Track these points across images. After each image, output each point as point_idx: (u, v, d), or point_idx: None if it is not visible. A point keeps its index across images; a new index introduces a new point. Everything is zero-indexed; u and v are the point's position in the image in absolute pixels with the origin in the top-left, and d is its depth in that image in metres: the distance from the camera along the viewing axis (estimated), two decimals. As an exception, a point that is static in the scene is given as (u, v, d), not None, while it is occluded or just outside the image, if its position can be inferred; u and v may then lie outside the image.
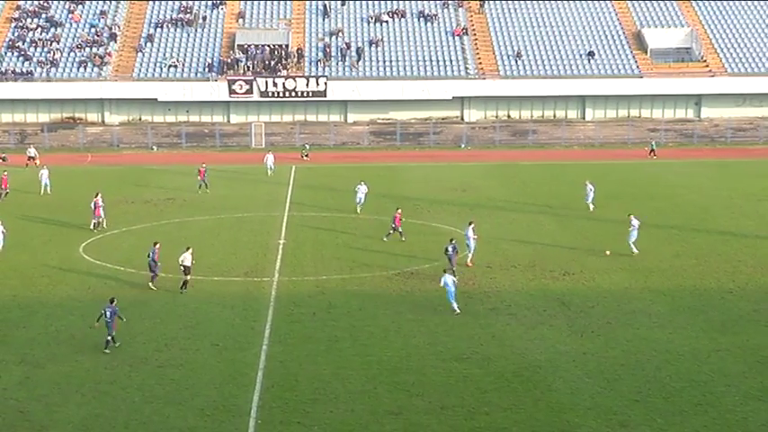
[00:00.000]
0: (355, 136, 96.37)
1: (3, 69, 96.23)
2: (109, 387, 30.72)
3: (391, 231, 51.59)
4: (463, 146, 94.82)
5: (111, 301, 34.48)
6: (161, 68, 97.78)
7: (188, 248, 42.29)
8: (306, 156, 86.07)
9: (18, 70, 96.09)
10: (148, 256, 42.67)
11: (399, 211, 52.63)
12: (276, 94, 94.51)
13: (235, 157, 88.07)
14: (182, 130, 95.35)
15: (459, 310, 38.22)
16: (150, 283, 42.16)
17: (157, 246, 42.82)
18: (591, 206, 60.07)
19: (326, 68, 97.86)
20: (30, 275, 44.44)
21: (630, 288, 42.35)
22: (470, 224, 47.46)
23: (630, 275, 44.46)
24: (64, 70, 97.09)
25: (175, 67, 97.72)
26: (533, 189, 69.12)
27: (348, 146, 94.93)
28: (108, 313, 33.98)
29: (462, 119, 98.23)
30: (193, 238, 52.60)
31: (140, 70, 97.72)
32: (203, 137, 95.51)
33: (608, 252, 48.47)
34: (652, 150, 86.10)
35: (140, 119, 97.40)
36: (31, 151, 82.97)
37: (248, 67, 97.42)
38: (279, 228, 55.45)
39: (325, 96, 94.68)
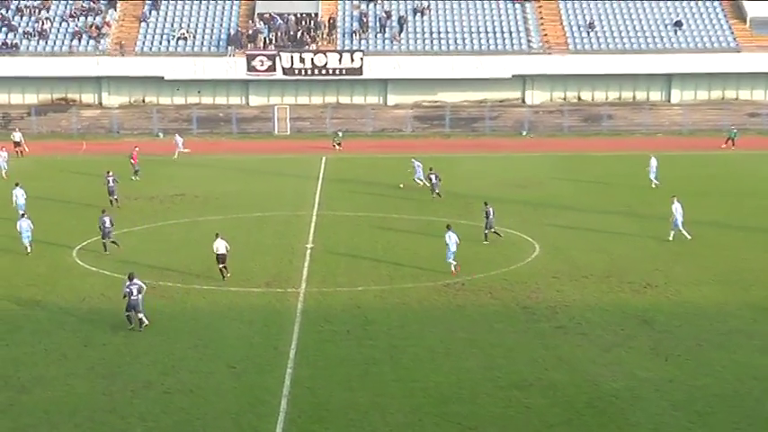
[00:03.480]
0: (397, 121, 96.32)
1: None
2: (107, 416, 30.86)
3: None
4: (525, 133, 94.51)
5: (131, 278, 38.17)
6: (168, 41, 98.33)
7: (217, 235, 45.59)
8: (338, 144, 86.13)
9: (1, 43, 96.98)
10: (100, 228, 50.01)
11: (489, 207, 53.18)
12: (303, 72, 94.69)
13: (254, 145, 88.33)
14: (192, 113, 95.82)
15: None
16: (105, 251, 49.68)
17: (105, 212, 51.01)
18: (654, 182, 66.18)
19: (363, 41, 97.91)
20: (14, 284, 44.77)
21: (726, 303, 41.95)
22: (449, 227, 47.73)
23: (726, 288, 44.06)
24: (55, 43, 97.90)
25: (185, 39, 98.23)
26: (609, 185, 68.71)
27: (388, 133, 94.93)
28: (134, 291, 37.73)
29: (524, 101, 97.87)
30: (205, 241, 52.72)
31: (144, 43, 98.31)
32: (217, 122, 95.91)
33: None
34: (730, 139, 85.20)
35: (144, 101, 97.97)
36: (17, 136, 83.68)
37: (271, 40, 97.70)
38: (306, 229, 55.53)
39: (362, 74, 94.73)
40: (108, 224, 50.55)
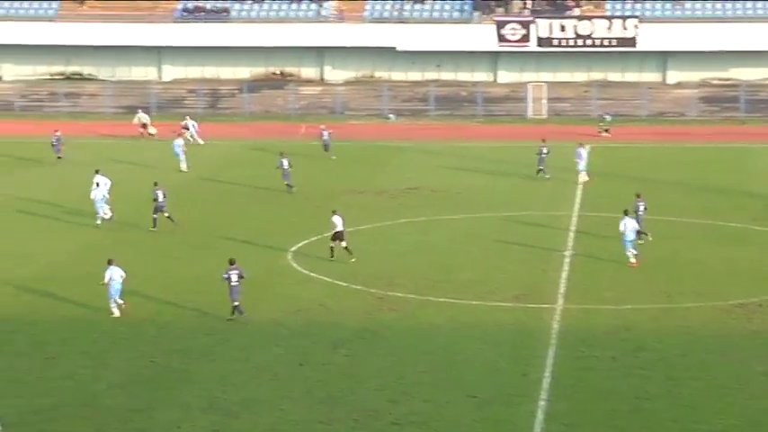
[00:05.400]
0: (678, 103, 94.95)
1: (190, 6, 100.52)
2: (325, 448, 31.61)
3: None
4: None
5: (232, 263, 41.81)
6: (402, 6, 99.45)
7: (334, 212, 50.27)
8: (605, 131, 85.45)
9: (210, 8, 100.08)
10: (155, 200, 55.38)
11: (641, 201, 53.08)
12: (564, 43, 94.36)
13: (503, 130, 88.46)
14: (430, 92, 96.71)
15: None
16: (152, 228, 55.33)
17: (158, 184, 55.84)
18: None
19: (637, 5, 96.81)
20: (222, 290, 46.02)
21: None
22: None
23: None
24: (270, 8, 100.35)
25: (422, 3, 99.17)
26: None
27: (668, 117, 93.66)
28: (233, 277, 41.35)
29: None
30: (443, 244, 53.33)
31: (374, 8, 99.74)
32: (459, 102, 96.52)
33: None
34: None
35: (373, 76, 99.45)
36: (144, 117, 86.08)
37: (525, 4, 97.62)
38: (564, 233, 55.36)
39: (635, 46, 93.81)
40: (161, 198, 55.69)
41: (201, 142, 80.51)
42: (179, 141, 72.84)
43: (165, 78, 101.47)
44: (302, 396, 34.88)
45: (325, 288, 46.45)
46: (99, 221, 56.60)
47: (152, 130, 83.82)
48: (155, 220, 55.60)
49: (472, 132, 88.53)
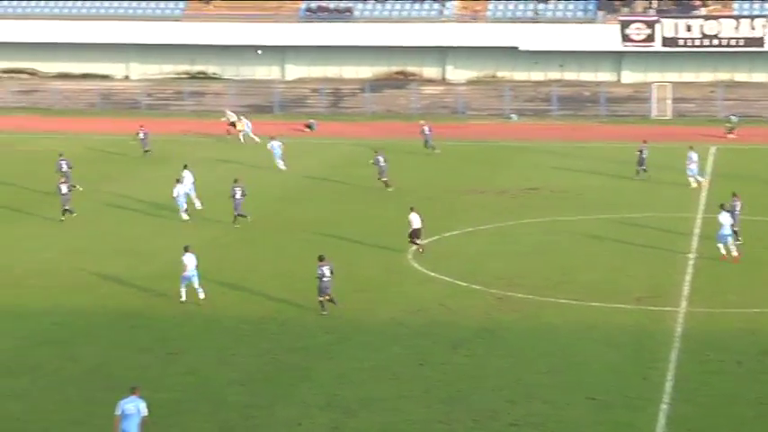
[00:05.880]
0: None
1: (313, 6, 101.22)
2: (443, 448, 31.60)
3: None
4: None
5: (321, 259, 42.45)
6: (525, 5, 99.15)
7: (412, 209, 50.90)
8: (732, 132, 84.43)
9: (333, 8, 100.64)
10: (232, 197, 55.94)
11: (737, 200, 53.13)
12: (690, 43, 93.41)
13: (626, 131, 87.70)
14: (552, 92, 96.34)
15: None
16: (234, 224, 55.99)
17: (237, 181, 56.64)
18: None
19: (766, 5, 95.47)
20: (342, 289, 46.20)
21: None
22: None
23: None
24: (393, 7, 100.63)
25: (546, 2, 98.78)
26: None
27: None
28: (326, 272, 42.05)
29: None
30: (564, 245, 53.16)
31: (497, 8, 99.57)
32: (582, 102, 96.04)
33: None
34: None
35: (495, 76, 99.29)
36: (231, 115, 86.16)
37: (650, 4, 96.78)
38: (688, 235, 54.81)
39: (763, 46, 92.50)
40: (239, 195, 56.25)
41: (257, 140, 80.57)
42: (277, 143, 72.14)
43: (288, 78, 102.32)
44: (421, 395, 34.98)
45: (446, 288, 46.53)
46: (186, 216, 57.89)
47: (240, 126, 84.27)
48: (235, 217, 56.37)
49: (595, 133, 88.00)
